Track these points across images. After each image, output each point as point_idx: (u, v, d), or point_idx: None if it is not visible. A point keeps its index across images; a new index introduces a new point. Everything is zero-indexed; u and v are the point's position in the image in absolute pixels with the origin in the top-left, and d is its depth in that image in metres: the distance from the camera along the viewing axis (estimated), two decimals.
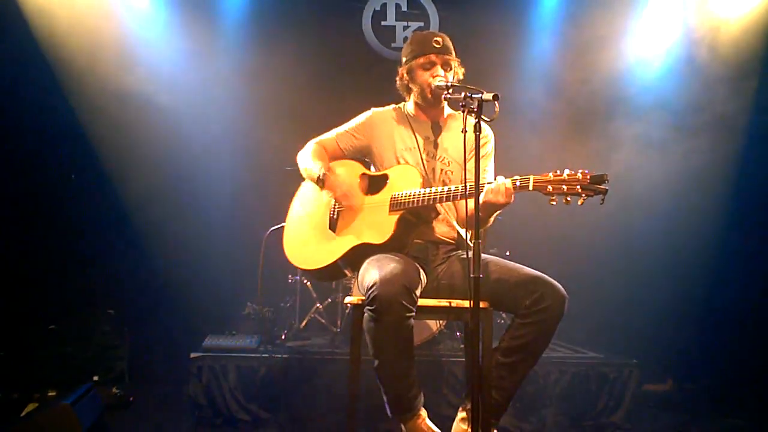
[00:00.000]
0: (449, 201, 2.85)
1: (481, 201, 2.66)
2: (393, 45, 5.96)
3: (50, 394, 4.04)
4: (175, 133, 5.33)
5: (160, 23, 5.45)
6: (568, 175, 2.52)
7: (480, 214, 2.55)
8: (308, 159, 3.14)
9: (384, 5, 5.98)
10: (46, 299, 5.00)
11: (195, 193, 5.35)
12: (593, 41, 5.51)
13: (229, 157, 5.50)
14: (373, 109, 3.25)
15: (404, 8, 6.00)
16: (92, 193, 5.31)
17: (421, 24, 5.98)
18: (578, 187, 2.49)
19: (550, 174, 2.55)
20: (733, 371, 5.08)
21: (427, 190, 2.85)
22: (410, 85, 3.12)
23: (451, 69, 3.05)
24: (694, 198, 5.23)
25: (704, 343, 5.18)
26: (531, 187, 2.59)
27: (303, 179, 3.24)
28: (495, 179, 2.71)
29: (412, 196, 2.88)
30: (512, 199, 2.68)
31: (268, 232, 4.37)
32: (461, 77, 3.08)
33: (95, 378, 4.37)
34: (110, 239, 5.31)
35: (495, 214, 2.85)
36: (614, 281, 5.28)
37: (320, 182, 3.03)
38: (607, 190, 2.48)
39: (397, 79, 3.18)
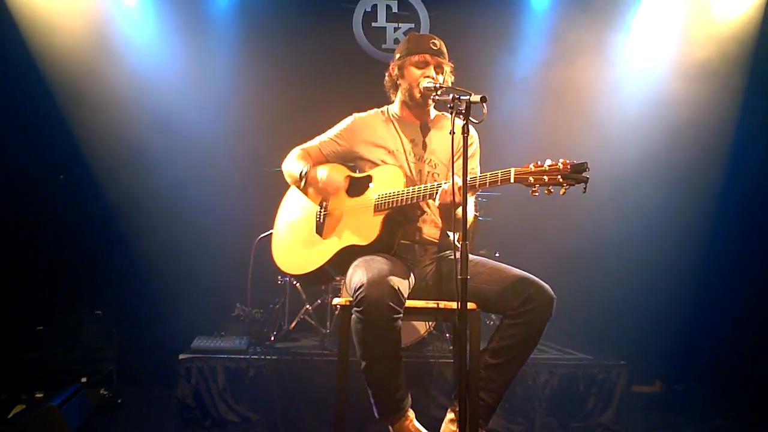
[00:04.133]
0: (432, 198, 2.82)
1: (437, 202, 2.73)
2: (383, 46, 5.95)
3: (38, 395, 4.02)
4: (164, 134, 5.31)
5: (150, 23, 5.44)
6: (549, 165, 2.52)
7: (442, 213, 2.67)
8: (292, 163, 3.17)
9: (375, 6, 5.97)
10: (33, 300, 4.96)
11: (184, 194, 5.31)
12: (584, 43, 5.52)
13: (219, 158, 5.47)
14: (355, 114, 3.25)
15: (395, 10, 5.99)
16: (80, 194, 5.28)
17: (412, 25, 5.98)
18: (559, 176, 2.50)
19: (531, 165, 2.55)
20: (722, 372, 5.11)
21: (410, 188, 2.86)
22: (399, 82, 3.12)
23: (443, 73, 3.05)
24: (682, 199, 5.26)
25: (693, 345, 5.21)
26: (512, 180, 2.59)
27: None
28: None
29: (395, 196, 2.88)
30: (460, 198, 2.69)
31: (257, 240, 4.36)
32: (450, 85, 3.07)
33: (83, 379, 4.35)
34: (99, 240, 5.29)
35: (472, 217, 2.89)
36: (603, 282, 5.29)
37: (303, 177, 3.04)
38: (588, 178, 2.48)
39: (386, 74, 3.18)
